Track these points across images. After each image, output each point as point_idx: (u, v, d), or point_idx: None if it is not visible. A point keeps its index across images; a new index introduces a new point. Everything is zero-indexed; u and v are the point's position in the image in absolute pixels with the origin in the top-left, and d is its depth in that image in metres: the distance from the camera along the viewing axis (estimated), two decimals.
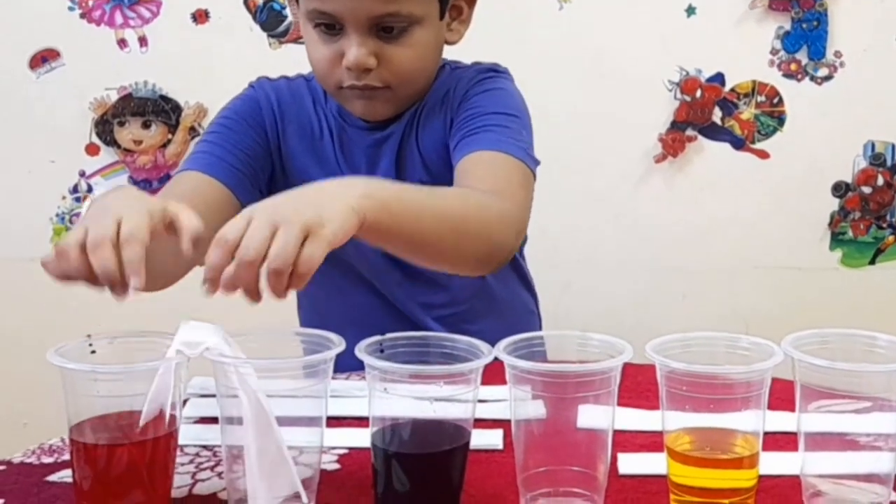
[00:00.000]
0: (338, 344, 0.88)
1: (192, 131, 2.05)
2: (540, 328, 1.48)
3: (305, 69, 1.98)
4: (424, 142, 1.29)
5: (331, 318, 1.20)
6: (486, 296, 1.37)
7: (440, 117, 1.29)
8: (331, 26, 1.21)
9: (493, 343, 0.87)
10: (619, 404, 0.88)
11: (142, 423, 0.84)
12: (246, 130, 1.29)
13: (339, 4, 1.18)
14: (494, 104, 1.27)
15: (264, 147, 1.30)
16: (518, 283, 1.45)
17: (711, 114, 2.03)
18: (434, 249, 1.04)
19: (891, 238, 2.06)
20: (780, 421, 0.96)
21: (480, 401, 0.89)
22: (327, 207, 0.88)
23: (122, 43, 2.03)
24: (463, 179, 1.17)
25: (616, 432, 0.89)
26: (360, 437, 0.94)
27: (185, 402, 1.03)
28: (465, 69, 1.34)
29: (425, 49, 1.25)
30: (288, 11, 2.00)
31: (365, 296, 1.36)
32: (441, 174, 1.26)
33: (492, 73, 1.33)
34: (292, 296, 1.43)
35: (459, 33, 1.30)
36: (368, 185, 0.98)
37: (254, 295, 0.83)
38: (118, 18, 2.03)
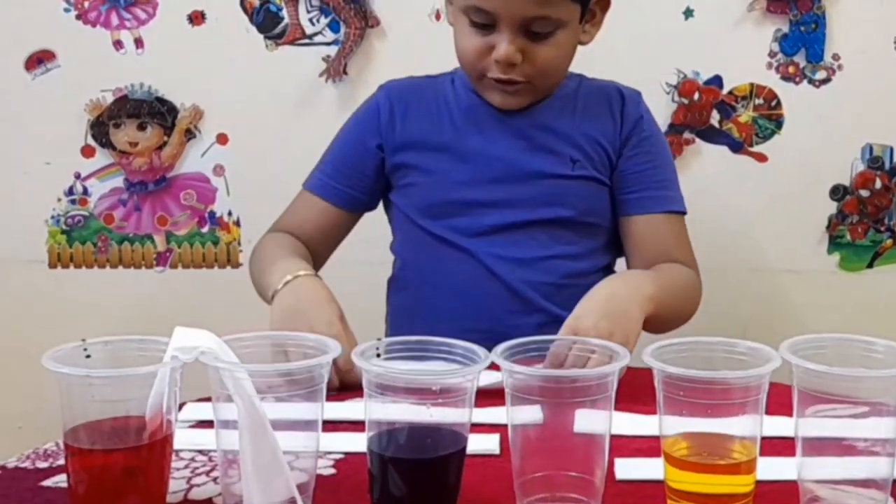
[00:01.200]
0: (333, 349, 0.88)
1: (188, 133, 2.04)
2: None
3: (301, 70, 2.00)
4: (565, 128, 1.45)
5: (430, 286, 1.45)
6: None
7: (603, 117, 1.47)
8: (484, 23, 1.34)
9: None
10: (617, 409, 0.88)
11: (148, 427, 0.84)
12: (361, 135, 1.50)
13: (497, 3, 1.32)
14: (664, 151, 1.51)
15: (377, 143, 1.48)
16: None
17: (709, 116, 2.02)
18: (670, 325, 1.38)
19: (889, 241, 2.05)
20: (778, 426, 0.96)
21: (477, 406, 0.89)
22: (631, 327, 1.20)
23: (117, 44, 2.02)
24: (658, 239, 1.46)
25: (613, 437, 0.88)
26: (357, 442, 0.94)
27: (180, 406, 1.03)
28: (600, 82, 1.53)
29: (565, 50, 1.41)
30: (285, 13, 2.00)
31: (464, 262, 1.44)
32: (588, 155, 1.45)
33: (649, 113, 1.52)
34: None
35: (591, 35, 1.46)
36: (654, 286, 1.30)
37: None
38: (114, 20, 2.02)
